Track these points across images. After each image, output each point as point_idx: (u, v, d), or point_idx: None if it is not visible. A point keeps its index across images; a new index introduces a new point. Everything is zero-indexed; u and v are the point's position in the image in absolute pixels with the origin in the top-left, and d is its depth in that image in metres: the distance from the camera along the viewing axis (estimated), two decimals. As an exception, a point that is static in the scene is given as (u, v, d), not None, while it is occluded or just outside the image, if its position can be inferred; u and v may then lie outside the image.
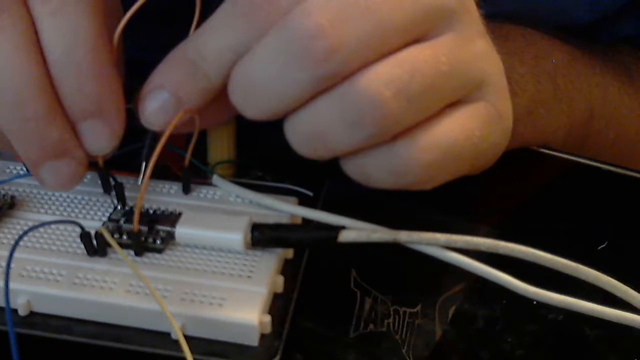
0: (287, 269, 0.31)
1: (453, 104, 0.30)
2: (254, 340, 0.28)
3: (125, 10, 0.30)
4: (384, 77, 0.28)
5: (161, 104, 0.30)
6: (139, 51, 0.34)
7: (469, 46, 0.30)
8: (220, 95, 0.30)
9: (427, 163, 0.29)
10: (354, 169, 0.30)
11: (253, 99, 0.29)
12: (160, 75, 0.30)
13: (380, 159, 0.29)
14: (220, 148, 0.35)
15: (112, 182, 0.33)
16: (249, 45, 0.28)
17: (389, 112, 0.28)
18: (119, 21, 0.30)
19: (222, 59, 0.29)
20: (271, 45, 0.28)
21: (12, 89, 0.28)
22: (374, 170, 0.30)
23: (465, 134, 0.30)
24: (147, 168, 0.29)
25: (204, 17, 0.30)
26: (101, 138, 0.30)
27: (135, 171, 0.34)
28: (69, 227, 0.31)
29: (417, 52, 0.28)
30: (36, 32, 0.29)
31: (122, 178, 0.33)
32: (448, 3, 0.29)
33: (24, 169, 0.35)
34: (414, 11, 0.28)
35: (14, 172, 0.35)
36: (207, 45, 0.29)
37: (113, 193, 0.33)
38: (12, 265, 0.27)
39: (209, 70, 0.29)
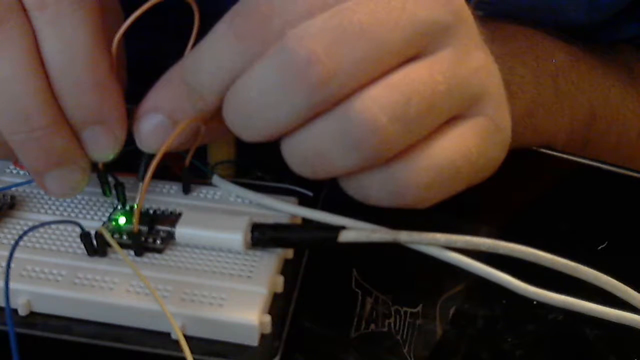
0: (287, 269, 0.31)
1: (450, 120, 0.29)
2: (254, 340, 0.28)
3: (126, 11, 0.30)
4: (380, 101, 0.27)
5: (156, 126, 0.30)
6: (141, 53, 0.34)
7: (466, 61, 0.29)
8: (217, 115, 0.30)
9: (424, 184, 0.29)
10: (352, 188, 0.30)
11: (248, 121, 0.29)
12: (155, 97, 0.30)
13: (377, 180, 0.29)
14: (220, 148, 0.35)
15: (113, 182, 0.33)
16: (244, 67, 0.28)
17: (386, 137, 0.27)
18: (119, 22, 0.30)
19: (218, 81, 0.28)
20: (265, 70, 0.27)
21: (17, 102, 0.28)
22: (372, 190, 0.29)
23: (462, 152, 0.29)
24: (146, 173, 0.29)
25: (204, 29, 0.30)
26: (104, 145, 0.30)
27: (135, 171, 0.34)
28: (69, 227, 0.31)
29: (413, 72, 0.28)
30: (36, 41, 0.29)
31: (122, 178, 0.33)
32: (444, 18, 0.28)
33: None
34: (409, 31, 0.27)
35: (14, 172, 0.35)
36: (202, 67, 0.29)
37: (113, 193, 0.33)
38: (12, 265, 0.27)
39: (204, 92, 0.29)
